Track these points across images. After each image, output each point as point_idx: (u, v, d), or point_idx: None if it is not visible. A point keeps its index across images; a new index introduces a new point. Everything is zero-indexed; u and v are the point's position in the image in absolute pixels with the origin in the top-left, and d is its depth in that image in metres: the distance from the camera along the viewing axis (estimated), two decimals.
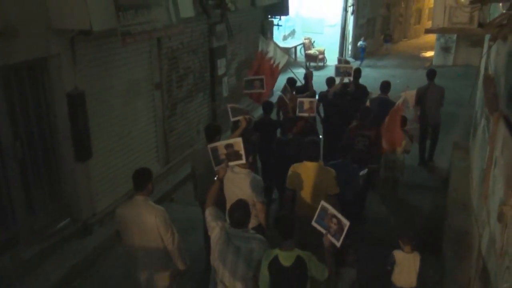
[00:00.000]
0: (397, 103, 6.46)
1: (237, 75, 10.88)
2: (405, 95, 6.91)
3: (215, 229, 3.74)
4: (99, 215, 6.37)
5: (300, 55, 18.81)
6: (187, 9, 7.39)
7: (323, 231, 3.89)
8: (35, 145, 5.52)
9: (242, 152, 4.35)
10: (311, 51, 18.19)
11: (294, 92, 7.67)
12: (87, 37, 5.64)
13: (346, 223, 3.78)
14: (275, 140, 6.32)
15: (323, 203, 4.05)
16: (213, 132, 4.92)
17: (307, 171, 4.80)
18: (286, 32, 18.57)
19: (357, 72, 8.38)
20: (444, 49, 18.83)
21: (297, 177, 4.81)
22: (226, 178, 4.40)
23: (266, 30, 12.23)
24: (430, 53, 21.83)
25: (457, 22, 4.06)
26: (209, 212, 3.87)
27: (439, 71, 10.36)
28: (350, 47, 20.22)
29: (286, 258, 3.58)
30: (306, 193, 4.78)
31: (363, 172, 5.73)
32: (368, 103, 7.63)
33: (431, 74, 8.65)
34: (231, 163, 4.35)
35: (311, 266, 3.60)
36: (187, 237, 6.39)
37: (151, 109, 7.56)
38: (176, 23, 6.75)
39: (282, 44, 17.81)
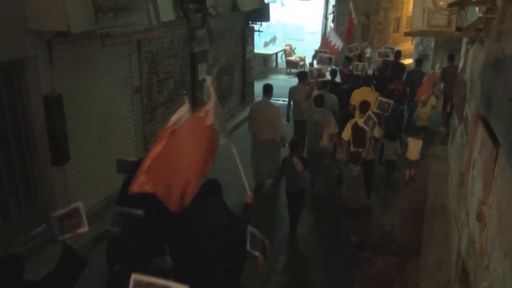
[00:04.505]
0: (431, 73, 9.98)
1: (218, 80, 10.85)
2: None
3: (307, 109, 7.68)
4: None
5: (281, 62, 18.87)
6: (167, 12, 7.35)
7: (379, 112, 7.42)
8: (10, 148, 5.39)
9: (326, 74, 8.98)
10: (292, 58, 18.23)
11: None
12: (65, 39, 5.53)
13: (391, 101, 7.61)
14: (338, 88, 9.47)
15: (380, 98, 7.77)
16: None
17: (364, 93, 8.40)
18: (267, 39, 18.61)
19: (398, 53, 11.67)
20: (422, 57, 19.06)
21: (357, 96, 8.28)
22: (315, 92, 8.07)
23: (247, 36, 12.25)
24: (408, 61, 22.13)
25: (436, 25, 4.13)
26: (306, 102, 7.88)
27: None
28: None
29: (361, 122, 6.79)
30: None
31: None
32: (405, 75, 11.17)
33: (451, 57, 11.14)
34: (318, 79, 8.50)
35: (374, 128, 6.86)
36: None
37: (131, 113, 7.46)
38: (156, 27, 6.70)
39: (263, 50, 17.87)
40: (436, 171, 8.05)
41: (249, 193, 4.24)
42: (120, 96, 7.13)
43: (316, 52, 11.97)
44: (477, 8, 4.18)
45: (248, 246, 3.76)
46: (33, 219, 5.76)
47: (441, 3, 4.01)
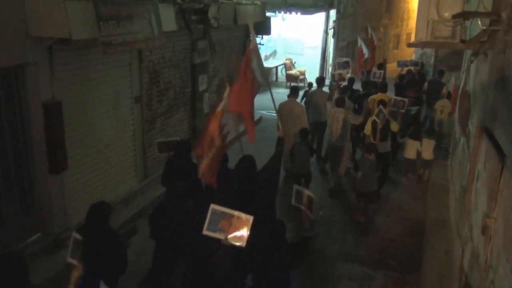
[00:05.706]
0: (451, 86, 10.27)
1: (218, 92, 10.82)
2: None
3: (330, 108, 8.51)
4: (73, 230, 6.12)
5: (281, 75, 18.90)
6: (169, 22, 7.34)
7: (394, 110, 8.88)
8: (7, 155, 5.32)
9: (346, 78, 10.76)
10: (292, 72, 18.26)
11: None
12: (66, 46, 5.52)
13: (406, 99, 8.98)
14: (355, 94, 10.58)
15: (395, 97, 9.32)
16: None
17: (379, 97, 9.13)
18: (267, 52, 18.66)
19: (421, 65, 13.87)
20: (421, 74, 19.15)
21: (372, 101, 9.36)
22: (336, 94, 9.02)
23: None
24: None
25: (440, 36, 4.11)
26: (329, 102, 8.68)
27: None
28: (330, 68, 20.41)
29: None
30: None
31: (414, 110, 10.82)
32: (426, 84, 12.29)
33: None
34: (339, 82, 10.21)
35: (392, 123, 8.06)
36: None
37: (130, 122, 7.41)
38: (158, 36, 6.68)
39: (263, 64, 17.87)
40: (437, 185, 7.99)
41: (280, 128, 5.39)
42: (120, 105, 7.09)
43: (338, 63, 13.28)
44: (479, 21, 4.17)
45: (293, 201, 4.54)
46: (29, 227, 5.67)
47: (445, 14, 4.00)
